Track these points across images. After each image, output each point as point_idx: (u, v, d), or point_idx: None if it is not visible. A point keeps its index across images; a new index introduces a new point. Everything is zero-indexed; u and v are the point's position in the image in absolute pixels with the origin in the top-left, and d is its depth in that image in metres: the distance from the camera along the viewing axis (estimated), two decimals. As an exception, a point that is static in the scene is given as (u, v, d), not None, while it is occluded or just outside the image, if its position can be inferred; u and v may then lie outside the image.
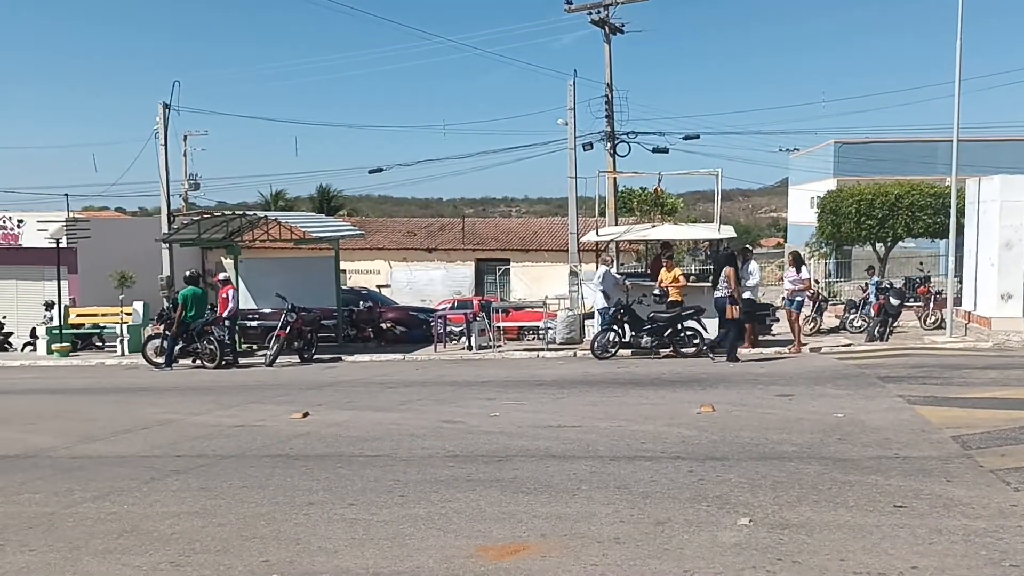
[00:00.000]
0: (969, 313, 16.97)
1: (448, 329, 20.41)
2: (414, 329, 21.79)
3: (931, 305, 20.26)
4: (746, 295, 16.41)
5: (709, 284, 17.00)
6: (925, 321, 20.08)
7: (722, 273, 14.82)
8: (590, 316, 18.73)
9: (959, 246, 17.66)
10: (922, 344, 16.17)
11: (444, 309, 23.61)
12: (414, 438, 8.43)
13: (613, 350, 15.78)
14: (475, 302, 22.36)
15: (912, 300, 21.44)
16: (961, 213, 17.61)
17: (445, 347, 19.45)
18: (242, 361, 17.67)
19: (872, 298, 19.30)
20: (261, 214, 22.31)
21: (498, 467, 7.02)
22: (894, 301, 17.89)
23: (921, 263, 28.17)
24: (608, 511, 5.62)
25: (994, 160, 32.93)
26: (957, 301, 17.63)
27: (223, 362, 17.22)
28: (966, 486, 5.93)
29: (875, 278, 21.07)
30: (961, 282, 17.92)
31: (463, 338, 19.63)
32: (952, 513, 5.35)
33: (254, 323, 20.38)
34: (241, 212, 22.20)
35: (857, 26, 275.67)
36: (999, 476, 6.13)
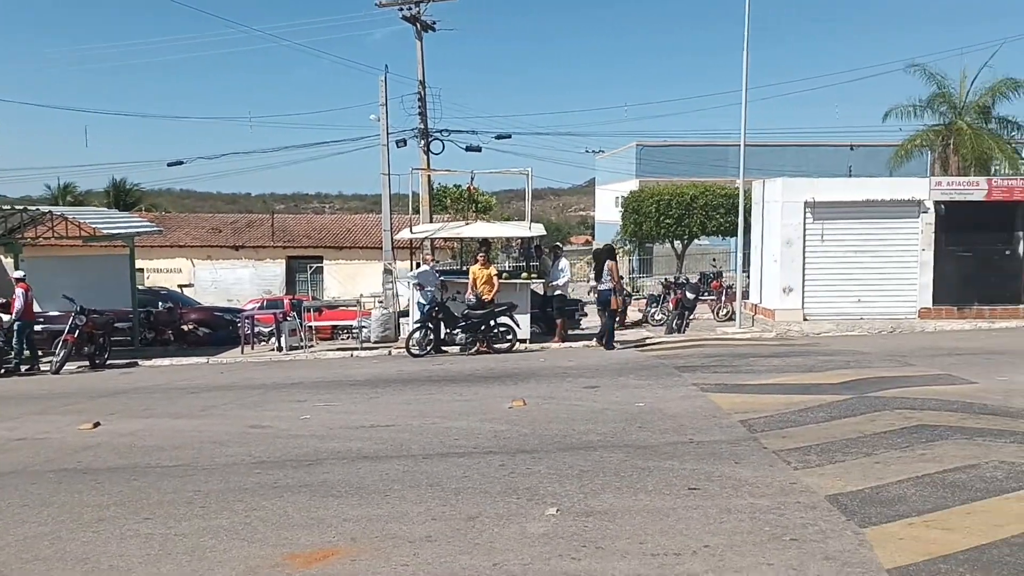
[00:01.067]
0: (756, 305, 18.35)
1: (256, 330, 19.68)
2: (219, 330, 20.86)
3: (723, 298, 21.72)
4: (557, 292, 16.95)
5: (522, 281, 17.39)
6: (718, 313, 21.50)
7: (604, 267, 15.43)
8: (405, 314, 18.65)
9: (747, 243, 19.04)
10: (715, 335, 17.29)
11: (252, 309, 22.76)
12: (217, 445, 8.05)
13: (428, 347, 15.79)
14: (286, 301, 21.67)
15: (706, 294, 22.91)
16: (749, 213, 18.99)
17: (253, 348, 18.74)
18: (24, 368, 16.20)
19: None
20: (45, 209, 20.54)
21: (307, 471, 6.84)
22: (690, 295, 19.03)
23: (714, 259, 30.10)
24: (420, 510, 5.61)
25: (779, 164, 35.82)
26: (745, 294, 19.02)
27: (2, 370, 15.73)
28: (752, 467, 6.38)
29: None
30: (749, 277, 19.33)
31: (272, 339, 18.99)
32: (740, 493, 5.75)
33: (39, 327, 18.76)
34: (22, 207, 20.32)
35: (659, 39, 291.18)
36: (781, 456, 6.64)
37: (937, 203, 16.45)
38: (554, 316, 17.08)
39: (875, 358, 11.76)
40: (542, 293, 17.99)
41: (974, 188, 16.70)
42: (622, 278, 15.90)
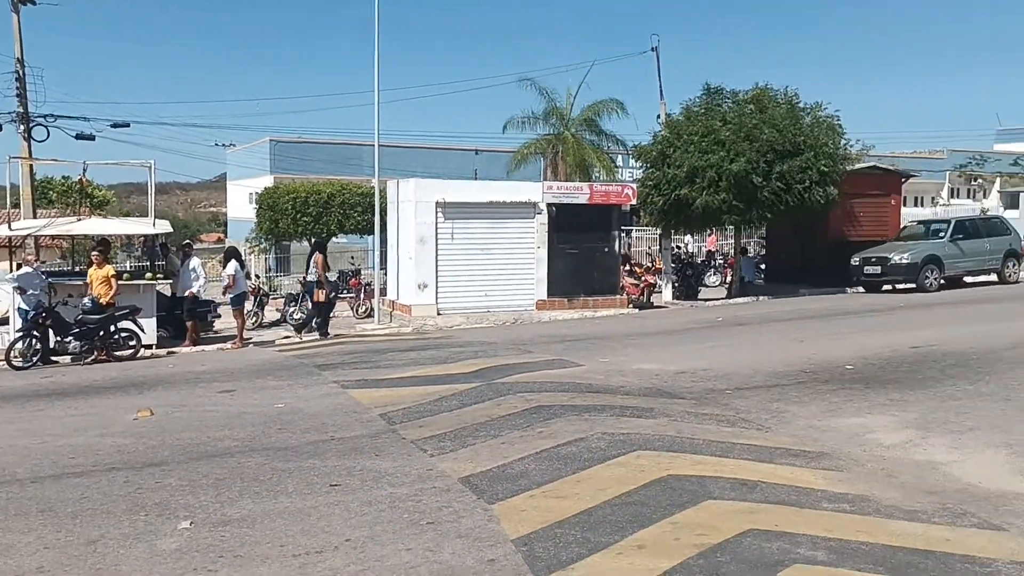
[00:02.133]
0: (393, 302, 18.88)
1: None
2: None
3: (362, 296, 22.07)
4: (189, 293, 16.00)
5: (146, 281, 16.15)
6: (357, 311, 21.80)
7: (312, 260, 15.63)
8: (4, 322, 16.38)
9: (383, 241, 19.52)
10: (355, 332, 17.51)
11: None
12: None
13: (35, 358, 14.02)
14: None
15: (346, 292, 23.13)
16: (385, 212, 19.48)
17: None
18: None
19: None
20: None
21: None
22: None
23: (353, 257, 30.40)
24: (30, 539, 5.01)
25: (411, 165, 37.11)
26: (383, 291, 19.50)
27: None
28: (391, 458, 6.60)
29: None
30: (387, 274, 19.84)
31: None
32: (380, 484, 5.92)
33: None
34: None
35: (294, 30, 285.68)
36: (418, 445, 6.95)
37: (549, 205, 18.18)
38: (184, 318, 16.11)
39: (500, 347, 12.73)
40: (170, 294, 16.87)
41: (579, 192, 18.73)
42: (328, 269, 16.19)
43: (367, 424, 7.86)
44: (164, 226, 17.96)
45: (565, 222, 18.34)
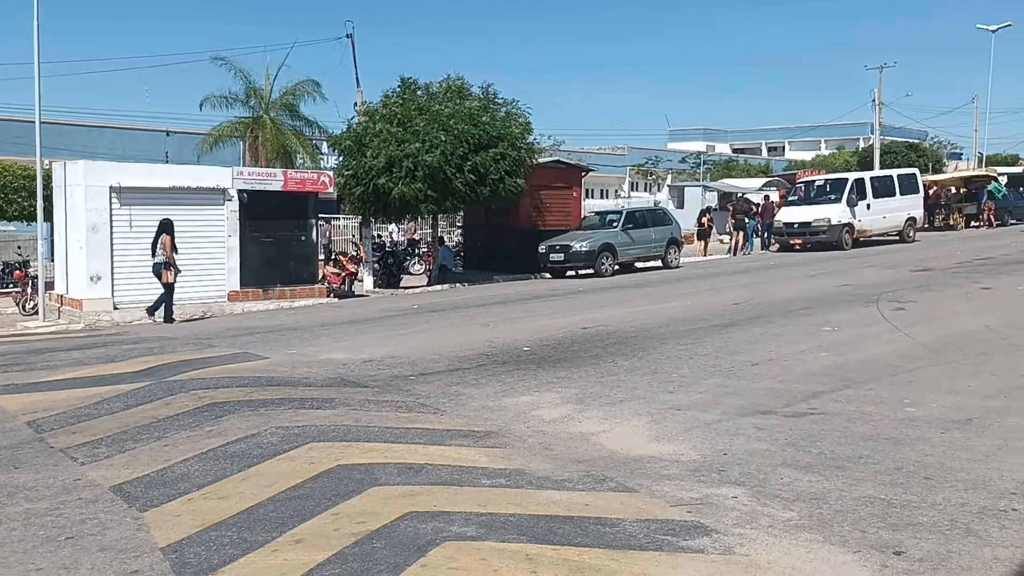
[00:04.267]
0: (62, 296, 17.13)
1: None
2: None
3: (29, 290, 19.74)
4: None
5: None
6: (24, 307, 19.48)
7: (159, 240, 14.67)
8: None
9: (50, 229, 17.61)
10: (15, 331, 15.61)
11: None
12: None
13: None
14: None
15: (11, 286, 20.65)
16: (52, 197, 17.58)
17: None
18: None
19: None
20: None
21: None
22: (-18, 288, 16.90)
23: (20, 247, 27.19)
24: None
25: (93, 146, 33.83)
26: (51, 285, 17.60)
27: None
28: (34, 469, 5.97)
29: None
30: (55, 265, 17.94)
31: None
32: (15, 500, 5.33)
33: None
34: None
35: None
36: (68, 454, 6.34)
37: (241, 192, 17.45)
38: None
39: (180, 343, 11.97)
40: None
41: (272, 179, 18.17)
42: (176, 251, 14.90)
43: (10, 434, 7.03)
44: None
45: (258, 210, 17.72)
